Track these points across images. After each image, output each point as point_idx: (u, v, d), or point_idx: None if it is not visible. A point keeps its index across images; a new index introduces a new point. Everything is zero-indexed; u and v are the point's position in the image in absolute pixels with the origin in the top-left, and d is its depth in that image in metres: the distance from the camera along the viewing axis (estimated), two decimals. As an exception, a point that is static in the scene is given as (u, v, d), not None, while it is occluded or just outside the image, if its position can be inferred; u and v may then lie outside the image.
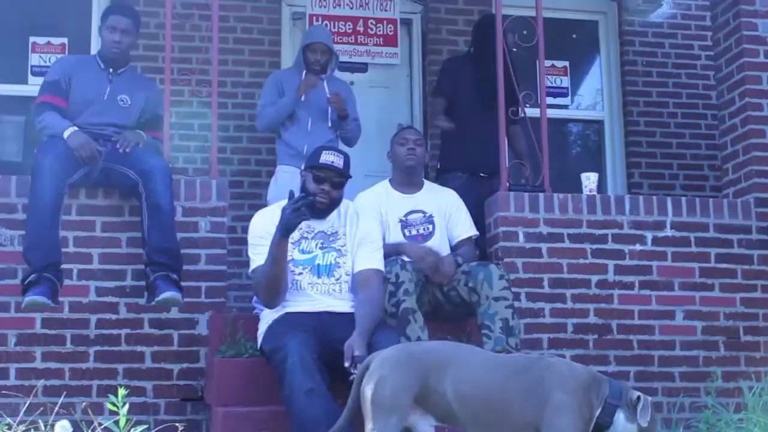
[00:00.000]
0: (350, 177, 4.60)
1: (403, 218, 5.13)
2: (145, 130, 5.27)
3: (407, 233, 5.10)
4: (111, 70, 5.26)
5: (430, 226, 5.13)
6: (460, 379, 3.57)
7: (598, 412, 3.54)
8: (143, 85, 5.41)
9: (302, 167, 4.71)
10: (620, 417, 3.56)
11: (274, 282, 4.32)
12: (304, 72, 5.93)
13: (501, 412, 3.53)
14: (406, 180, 5.24)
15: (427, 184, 5.35)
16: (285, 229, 4.22)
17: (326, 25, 7.16)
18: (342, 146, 5.80)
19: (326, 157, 4.48)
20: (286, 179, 5.63)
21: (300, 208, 4.18)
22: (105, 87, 5.21)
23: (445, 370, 3.59)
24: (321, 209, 4.51)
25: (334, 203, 4.54)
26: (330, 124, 5.88)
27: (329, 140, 5.72)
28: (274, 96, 5.94)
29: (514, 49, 5.99)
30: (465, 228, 5.21)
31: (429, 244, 5.07)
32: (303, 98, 5.85)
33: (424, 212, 5.17)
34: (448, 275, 4.87)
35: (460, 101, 6.21)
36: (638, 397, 3.56)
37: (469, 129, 6.08)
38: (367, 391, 3.58)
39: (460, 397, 3.55)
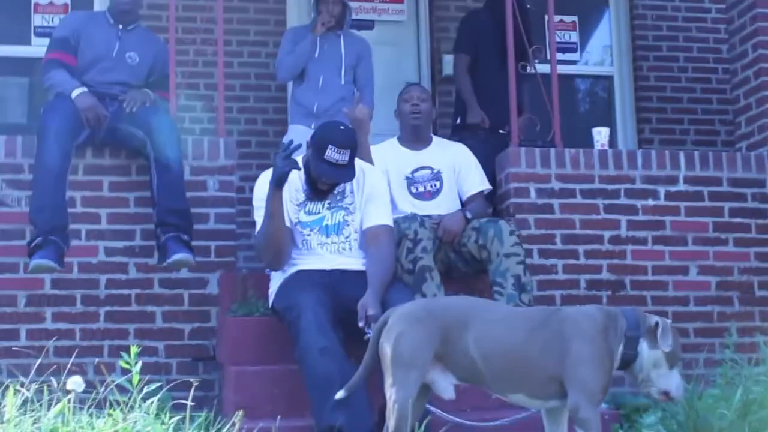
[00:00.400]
0: (353, 176, 4.44)
1: (410, 175, 5.10)
2: (153, 89, 5.22)
3: (413, 190, 5.08)
4: (120, 26, 5.21)
5: (438, 183, 5.11)
6: (481, 336, 3.55)
7: (620, 349, 3.52)
8: (152, 44, 5.36)
9: (307, 140, 4.54)
10: (643, 347, 3.56)
11: (272, 240, 4.28)
12: (319, 19, 5.79)
13: (523, 367, 3.52)
14: (413, 137, 5.22)
15: (435, 139, 5.32)
16: (277, 180, 4.18)
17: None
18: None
19: (331, 154, 4.29)
20: (297, 139, 5.57)
21: (290, 155, 4.13)
22: (114, 44, 5.17)
23: (466, 326, 3.56)
24: (323, 190, 4.44)
25: (334, 188, 4.47)
26: (343, 81, 5.79)
27: (341, 98, 5.64)
28: (289, 49, 5.84)
29: (528, 5, 5.91)
30: (475, 182, 5.18)
31: (437, 201, 5.05)
32: (317, 53, 5.76)
33: (431, 168, 5.14)
34: (453, 232, 4.84)
35: (480, 57, 6.15)
36: (656, 323, 3.55)
37: (489, 85, 6.03)
38: (386, 347, 3.56)
39: (482, 354, 3.53)
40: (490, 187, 5.27)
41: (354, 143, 4.39)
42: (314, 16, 5.91)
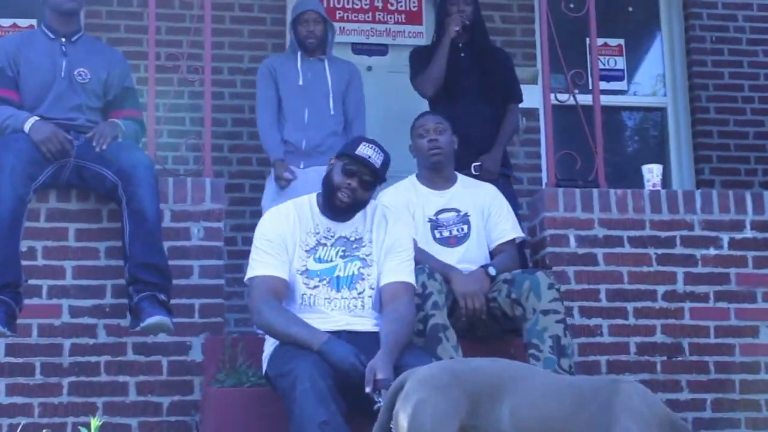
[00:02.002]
0: (384, 180, 4.52)
1: (434, 217, 5.08)
2: (114, 109, 5.17)
3: (438, 235, 5.06)
4: (63, 39, 5.15)
5: (465, 227, 5.08)
6: (519, 408, 3.43)
7: None
8: (102, 54, 5.30)
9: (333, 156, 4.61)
10: None
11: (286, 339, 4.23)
12: (299, 54, 5.89)
13: None
14: (435, 175, 5.20)
15: (461, 178, 5.29)
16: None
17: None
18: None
19: (364, 150, 4.40)
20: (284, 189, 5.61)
21: None
22: (60, 61, 5.10)
23: (500, 394, 3.45)
24: (340, 207, 4.42)
25: (357, 204, 4.46)
26: (333, 112, 5.85)
27: (332, 132, 5.70)
28: (268, 92, 5.95)
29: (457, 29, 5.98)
30: (507, 229, 5.13)
31: (464, 247, 5.03)
32: (300, 81, 5.86)
33: (458, 211, 5.12)
34: (475, 298, 4.78)
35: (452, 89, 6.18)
36: None
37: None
38: (402, 417, 3.45)
39: (518, 429, 3.41)
40: (524, 235, 5.25)
41: (386, 153, 4.47)
42: (292, 39, 6.02)
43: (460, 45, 6.02)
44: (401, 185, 5.20)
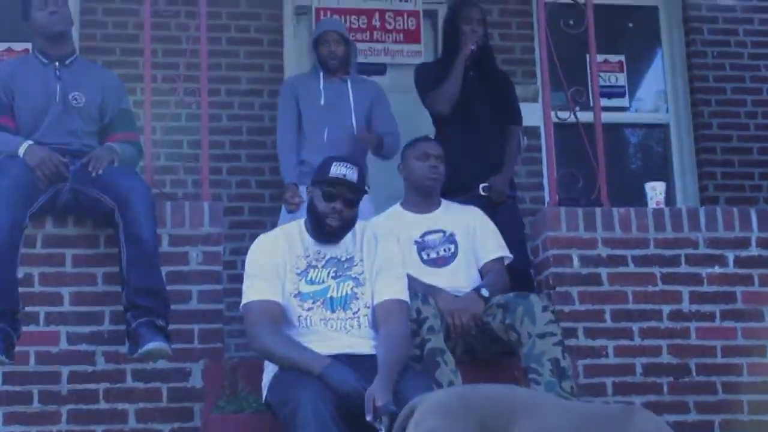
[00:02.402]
0: (366, 192, 4.54)
1: (419, 239, 5.11)
2: (112, 133, 5.16)
3: (425, 256, 5.08)
4: (57, 63, 5.15)
5: (452, 247, 5.11)
6: (532, 435, 3.40)
7: None
8: (97, 76, 5.30)
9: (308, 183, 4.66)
10: None
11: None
12: (321, 74, 5.91)
13: None
14: (421, 200, 5.26)
15: (444, 202, 5.34)
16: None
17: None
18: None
19: (337, 170, 4.42)
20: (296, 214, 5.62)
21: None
22: (54, 86, 5.10)
23: (511, 422, 3.41)
24: (331, 233, 4.43)
25: (347, 224, 4.47)
26: (356, 131, 5.88)
27: (352, 152, 5.62)
28: (287, 113, 5.97)
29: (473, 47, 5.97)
30: (493, 247, 5.16)
31: (452, 267, 5.05)
32: (322, 101, 5.88)
33: (443, 231, 5.15)
34: (466, 321, 4.79)
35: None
36: None
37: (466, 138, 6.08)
38: (413, 445, 3.42)
39: None
40: (511, 255, 5.24)
41: (359, 166, 4.48)
42: (314, 59, 6.03)
43: (468, 64, 6.02)
44: (385, 215, 5.26)
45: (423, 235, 5.10)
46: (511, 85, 6.32)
